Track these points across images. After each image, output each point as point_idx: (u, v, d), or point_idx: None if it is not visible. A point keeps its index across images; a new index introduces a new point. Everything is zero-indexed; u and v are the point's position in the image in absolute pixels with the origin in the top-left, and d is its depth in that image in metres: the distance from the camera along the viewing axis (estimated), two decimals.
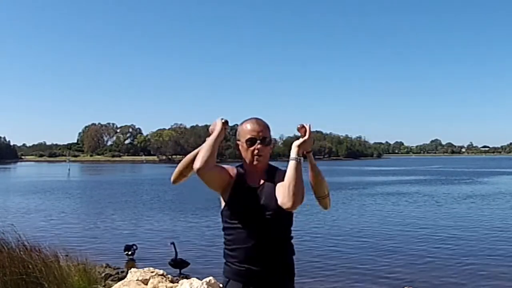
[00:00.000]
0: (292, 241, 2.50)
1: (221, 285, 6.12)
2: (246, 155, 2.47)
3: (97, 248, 11.10)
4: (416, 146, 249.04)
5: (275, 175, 2.45)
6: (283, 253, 2.45)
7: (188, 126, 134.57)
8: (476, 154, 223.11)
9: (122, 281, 6.27)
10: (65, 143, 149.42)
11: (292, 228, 2.49)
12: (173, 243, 9.46)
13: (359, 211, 18.84)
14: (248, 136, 2.44)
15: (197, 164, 2.36)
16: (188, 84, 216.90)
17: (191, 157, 2.59)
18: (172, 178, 2.73)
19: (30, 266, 5.48)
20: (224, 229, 2.53)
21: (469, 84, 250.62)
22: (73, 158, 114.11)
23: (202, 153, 2.38)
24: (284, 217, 2.41)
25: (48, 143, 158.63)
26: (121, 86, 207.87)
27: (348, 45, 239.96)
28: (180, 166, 2.67)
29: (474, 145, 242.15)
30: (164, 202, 22.45)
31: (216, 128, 2.48)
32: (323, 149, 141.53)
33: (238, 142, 2.51)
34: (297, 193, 2.27)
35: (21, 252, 5.62)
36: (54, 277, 5.53)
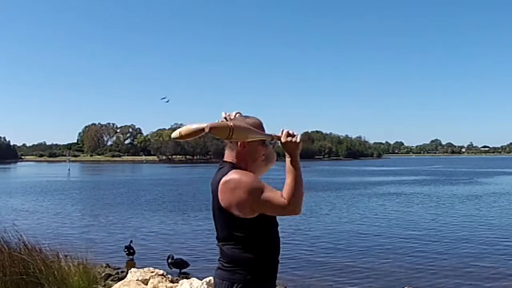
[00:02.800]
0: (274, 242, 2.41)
1: None
2: (258, 155, 2.36)
3: (97, 248, 11.08)
4: (416, 146, 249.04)
5: None
6: None
7: None
8: (476, 154, 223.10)
9: (122, 281, 6.27)
10: (65, 143, 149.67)
11: (267, 230, 2.40)
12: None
13: (359, 211, 18.84)
14: None
15: (298, 209, 2.23)
16: (188, 84, 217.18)
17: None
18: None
19: (31, 266, 5.49)
20: (256, 238, 2.28)
21: (469, 84, 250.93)
22: (73, 158, 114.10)
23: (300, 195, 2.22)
24: None
25: (48, 143, 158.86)
26: (121, 86, 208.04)
27: (348, 46, 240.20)
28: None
29: (474, 145, 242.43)
30: (164, 203, 22.45)
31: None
32: (323, 149, 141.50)
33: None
34: None
35: (22, 252, 5.62)
36: (54, 277, 5.54)
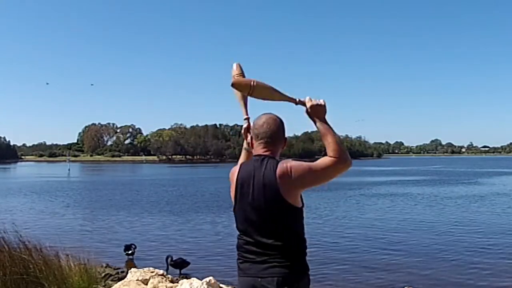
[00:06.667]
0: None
1: (221, 285, 6.14)
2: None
3: (97, 248, 11.07)
4: (416, 146, 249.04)
5: None
6: None
7: (188, 126, 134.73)
8: (476, 154, 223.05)
9: (122, 281, 6.27)
10: (65, 143, 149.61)
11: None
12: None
13: (359, 211, 18.84)
14: None
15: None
16: (188, 84, 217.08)
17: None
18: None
19: (31, 266, 5.49)
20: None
21: (469, 84, 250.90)
22: (73, 158, 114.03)
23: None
24: None
25: (48, 143, 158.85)
26: (121, 86, 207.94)
27: (348, 46, 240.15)
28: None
29: (474, 145, 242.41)
30: (164, 202, 22.45)
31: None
32: (323, 149, 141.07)
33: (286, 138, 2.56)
34: None
35: (22, 252, 5.62)
36: (55, 277, 5.54)
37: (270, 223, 2.33)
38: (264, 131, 2.45)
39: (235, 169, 2.49)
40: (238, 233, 2.45)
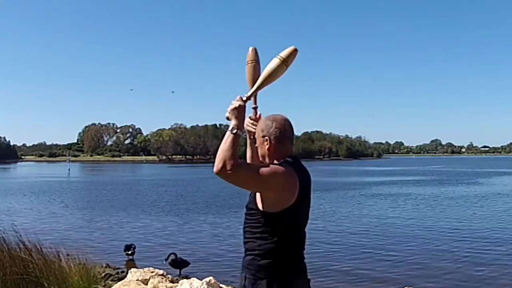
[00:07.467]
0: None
1: (221, 285, 6.14)
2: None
3: (97, 248, 11.10)
4: (416, 146, 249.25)
5: None
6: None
7: (188, 126, 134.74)
8: (476, 154, 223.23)
9: (122, 281, 6.27)
10: (65, 143, 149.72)
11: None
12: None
13: (359, 211, 18.83)
14: None
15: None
16: (188, 84, 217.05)
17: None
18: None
19: (31, 266, 5.49)
20: None
21: (469, 84, 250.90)
22: (73, 158, 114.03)
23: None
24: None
25: (48, 143, 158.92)
26: (121, 86, 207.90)
27: (348, 45, 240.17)
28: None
29: (474, 145, 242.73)
30: (164, 203, 22.45)
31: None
32: (323, 149, 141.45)
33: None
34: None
35: (22, 252, 5.62)
36: (55, 277, 5.54)
37: (306, 223, 2.46)
38: (292, 132, 2.51)
39: (288, 169, 2.30)
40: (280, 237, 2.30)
